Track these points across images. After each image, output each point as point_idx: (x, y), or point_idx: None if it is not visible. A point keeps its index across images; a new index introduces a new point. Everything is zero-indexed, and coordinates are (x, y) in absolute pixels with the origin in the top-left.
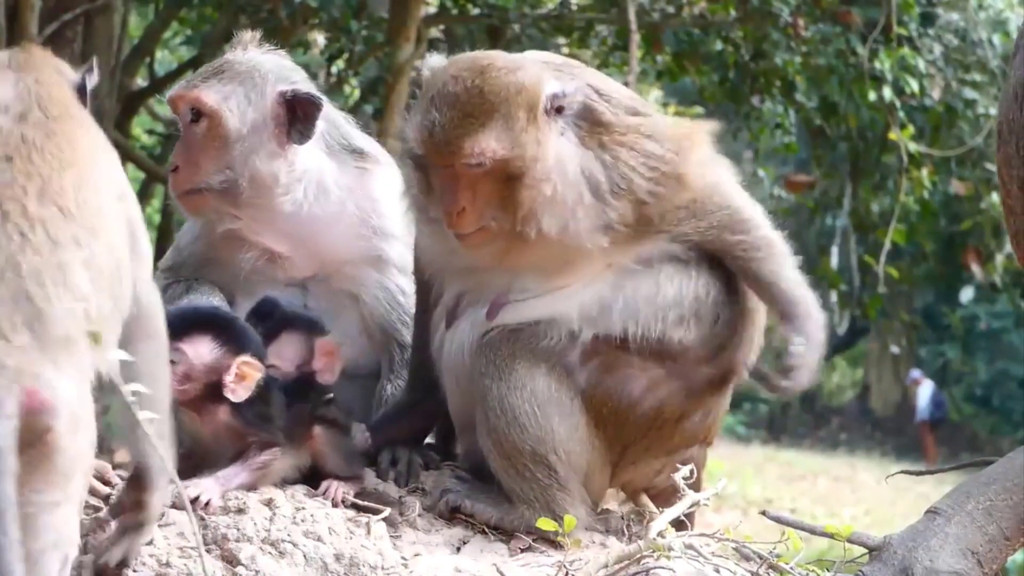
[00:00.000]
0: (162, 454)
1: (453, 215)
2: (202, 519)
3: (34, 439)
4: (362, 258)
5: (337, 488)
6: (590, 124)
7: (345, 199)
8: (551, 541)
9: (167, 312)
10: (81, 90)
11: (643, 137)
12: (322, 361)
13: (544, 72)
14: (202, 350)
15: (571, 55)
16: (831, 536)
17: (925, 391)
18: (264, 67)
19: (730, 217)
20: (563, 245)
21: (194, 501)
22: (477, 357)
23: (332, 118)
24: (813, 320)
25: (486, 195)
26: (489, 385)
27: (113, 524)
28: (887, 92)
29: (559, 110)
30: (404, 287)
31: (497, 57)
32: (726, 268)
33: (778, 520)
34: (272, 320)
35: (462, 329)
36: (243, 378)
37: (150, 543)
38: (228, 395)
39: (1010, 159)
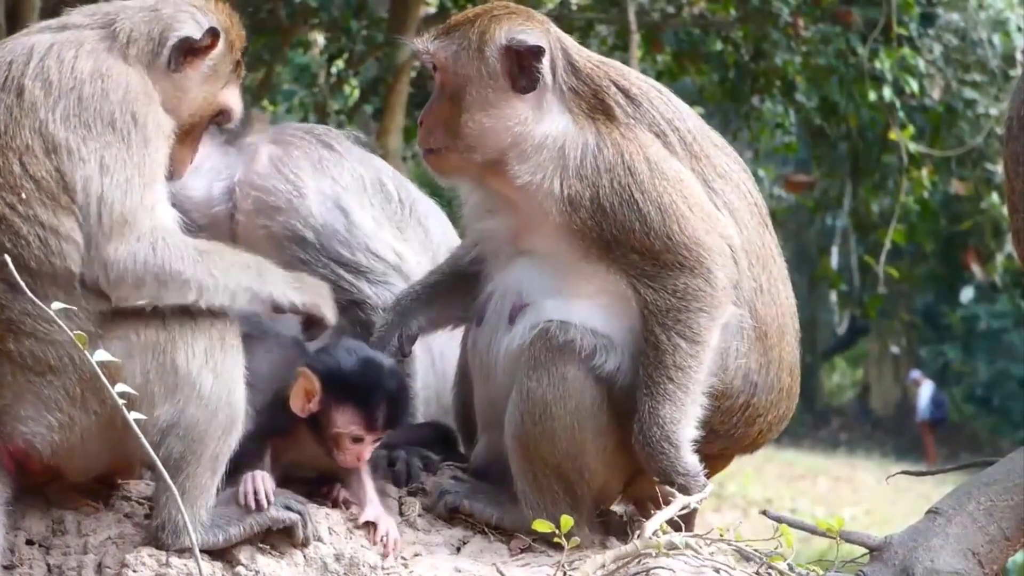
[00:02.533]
0: (153, 455)
1: (419, 128)
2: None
3: None
4: (266, 240)
5: (339, 488)
6: (591, 105)
7: (237, 182)
8: (551, 541)
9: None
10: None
11: (642, 159)
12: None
13: (527, 22)
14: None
15: None
16: (825, 534)
17: (926, 391)
18: None
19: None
20: (545, 223)
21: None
22: (521, 356)
23: None
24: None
25: (438, 112)
26: (534, 388)
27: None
28: (887, 92)
29: (520, 62)
30: (305, 258)
31: (518, 7)
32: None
33: (778, 520)
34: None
35: (491, 326)
36: None
37: (150, 543)
38: None
39: (1018, 155)
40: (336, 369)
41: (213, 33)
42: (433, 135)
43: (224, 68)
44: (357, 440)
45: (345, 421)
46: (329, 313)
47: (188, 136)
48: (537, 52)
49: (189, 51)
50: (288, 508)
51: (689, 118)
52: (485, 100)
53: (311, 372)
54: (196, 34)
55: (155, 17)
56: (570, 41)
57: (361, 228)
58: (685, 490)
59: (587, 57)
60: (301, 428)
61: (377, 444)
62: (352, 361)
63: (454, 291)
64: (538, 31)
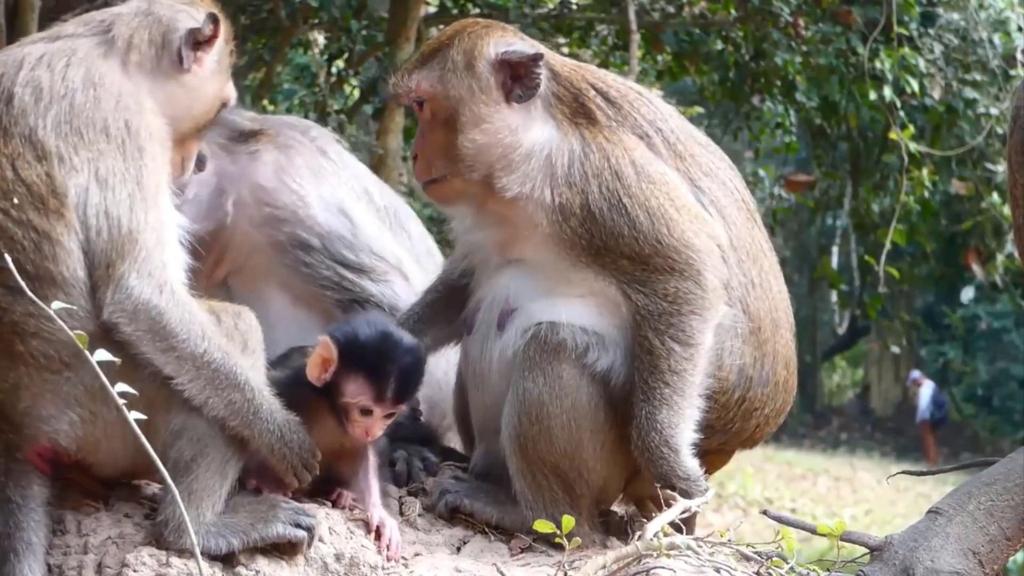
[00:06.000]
0: (154, 454)
1: (412, 164)
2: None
3: None
4: (270, 247)
5: (346, 496)
6: (572, 110)
7: (239, 190)
8: (551, 541)
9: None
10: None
11: (628, 163)
12: None
13: (507, 34)
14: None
15: (571, 55)
16: (825, 535)
17: (926, 391)
18: None
19: (659, 306)
20: (535, 232)
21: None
22: (515, 359)
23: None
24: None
25: (432, 142)
26: (530, 389)
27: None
28: (887, 92)
29: (515, 73)
30: (309, 260)
31: (489, 22)
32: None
33: (779, 520)
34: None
35: (481, 334)
36: None
37: (150, 543)
38: None
39: (1022, 148)
40: (353, 338)
41: (214, 20)
42: (434, 165)
43: (226, 59)
44: (366, 412)
45: (355, 391)
46: (291, 481)
47: (198, 134)
48: (536, 59)
49: (196, 45)
50: (298, 525)
51: (671, 118)
52: (478, 116)
53: (330, 340)
54: (198, 24)
55: (152, 21)
56: (543, 47)
57: (364, 231)
58: (686, 494)
59: (562, 62)
60: (317, 407)
61: (389, 422)
62: (370, 332)
63: (452, 307)
64: (520, 40)
